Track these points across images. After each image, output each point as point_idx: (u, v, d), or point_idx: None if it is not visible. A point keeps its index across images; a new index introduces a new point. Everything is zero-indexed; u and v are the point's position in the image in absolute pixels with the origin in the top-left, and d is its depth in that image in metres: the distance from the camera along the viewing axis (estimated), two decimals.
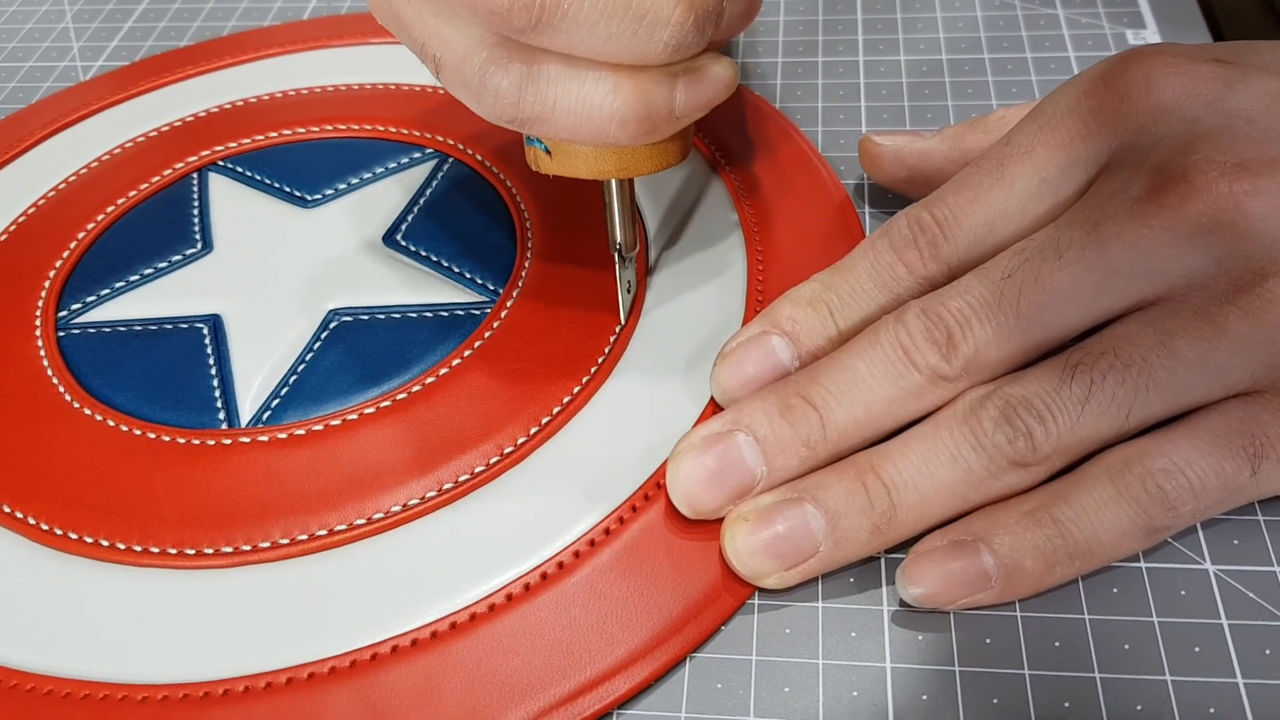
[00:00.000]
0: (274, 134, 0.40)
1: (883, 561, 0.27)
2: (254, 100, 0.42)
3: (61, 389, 0.32)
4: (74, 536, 0.29)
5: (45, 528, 0.29)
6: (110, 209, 0.37)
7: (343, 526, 0.28)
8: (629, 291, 0.32)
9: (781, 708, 0.25)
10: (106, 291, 0.35)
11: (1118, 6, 0.43)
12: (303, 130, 0.40)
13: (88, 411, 0.31)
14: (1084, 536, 0.25)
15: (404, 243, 0.35)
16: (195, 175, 0.39)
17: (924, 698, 0.25)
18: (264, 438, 0.30)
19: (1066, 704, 0.25)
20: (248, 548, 0.28)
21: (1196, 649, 0.25)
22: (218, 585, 0.28)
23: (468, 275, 0.34)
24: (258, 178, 0.38)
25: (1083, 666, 0.25)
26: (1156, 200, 0.26)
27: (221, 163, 0.39)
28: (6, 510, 0.30)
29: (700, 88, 0.27)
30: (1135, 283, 0.26)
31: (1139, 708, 0.24)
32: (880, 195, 0.36)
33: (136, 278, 0.35)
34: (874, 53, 0.42)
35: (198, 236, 0.36)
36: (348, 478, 0.29)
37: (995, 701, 0.25)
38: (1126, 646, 0.25)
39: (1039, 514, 0.26)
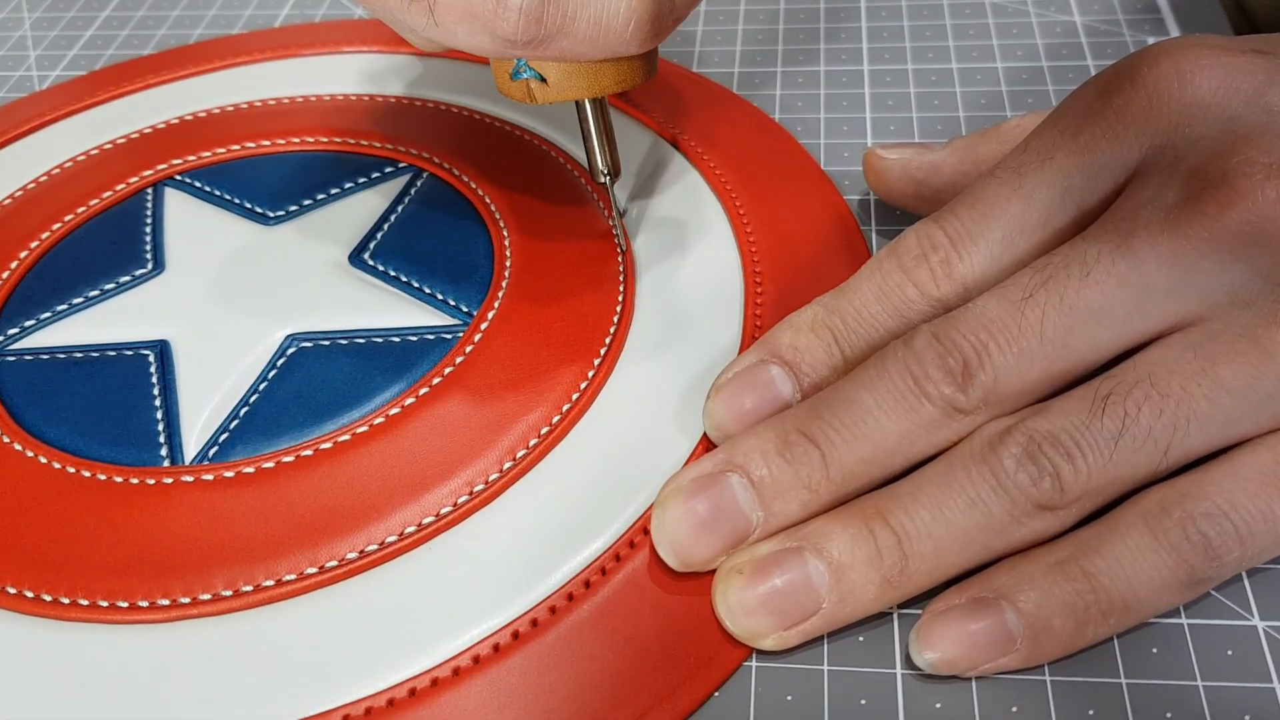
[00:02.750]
0: (236, 147, 0.37)
1: (895, 618, 0.25)
2: (217, 111, 0.39)
3: None
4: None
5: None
6: (56, 226, 0.35)
7: (292, 576, 0.26)
8: (622, 216, 0.33)
9: None
10: (47, 315, 0.32)
11: (1138, 13, 0.40)
12: (268, 143, 0.37)
13: (18, 446, 0.28)
14: (1119, 590, 0.23)
15: (372, 262, 0.33)
16: (150, 190, 0.36)
17: None
18: (209, 476, 0.27)
19: None
20: (186, 600, 0.25)
21: (1246, 717, 0.23)
22: (151, 642, 0.25)
23: (439, 296, 0.32)
24: (217, 193, 0.36)
25: None
26: (1195, 208, 0.23)
27: (179, 177, 0.36)
28: None
29: None
30: (1172, 301, 0.24)
31: None
32: (887, 213, 0.34)
33: (80, 300, 0.32)
34: (879, 61, 0.39)
35: (148, 256, 0.34)
36: (299, 521, 0.26)
37: None
38: (1169, 715, 0.23)
39: (1068, 566, 0.23)
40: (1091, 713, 0.23)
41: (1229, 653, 0.24)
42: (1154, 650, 0.24)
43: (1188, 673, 0.23)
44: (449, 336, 0.30)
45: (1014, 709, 0.23)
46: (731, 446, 0.25)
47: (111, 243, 0.34)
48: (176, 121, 0.39)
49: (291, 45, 0.42)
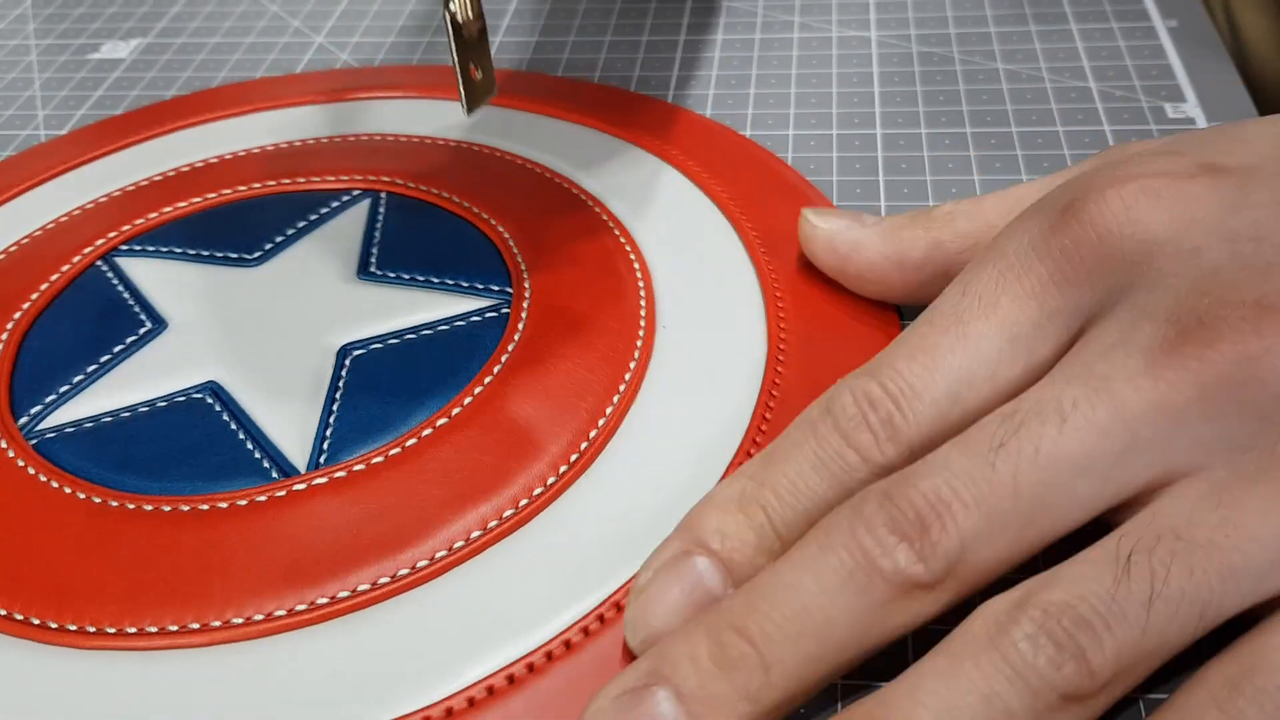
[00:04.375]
0: (169, 208, 0.36)
1: None
2: (145, 182, 0.38)
3: (56, 484, 0.28)
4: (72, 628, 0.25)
5: (36, 622, 0.25)
6: (25, 305, 0.33)
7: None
8: (476, 77, 0.28)
9: None
10: (66, 388, 0.30)
11: (1154, 79, 0.40)
12: (214, 195, 0.37)
13: (97, 500, 0.27)
14: None
15: (381, 272, 0.33)
16: (101, 263, 0.34)
17: None
18: (321, 480, 0.27)
19: None
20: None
21: None
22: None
23: (465, 284, 0.32)
24: (178, 250, 0.34)
25: None
26: (1175, 352, 0.21)
27: (124, 246, 0.35)
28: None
29: None
30: (1160, 452, 0.21)
31: None
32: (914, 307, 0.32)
33: (94, 367, 0.31)
34: (892, 126, 0.39)
35: (143, 317, 0.32)
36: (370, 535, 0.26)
37: None
38: None
39: None
40: None
41: None
42: None
43: None
44: (495, 315, 0.31)
45: None
46: (660, 652, 0.22)
47: (96, 315, 0.33)
48: (105, 199, 0.37)
49: (206, 109, 0.41)
